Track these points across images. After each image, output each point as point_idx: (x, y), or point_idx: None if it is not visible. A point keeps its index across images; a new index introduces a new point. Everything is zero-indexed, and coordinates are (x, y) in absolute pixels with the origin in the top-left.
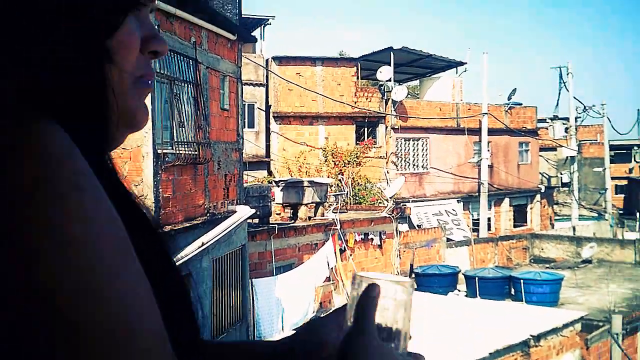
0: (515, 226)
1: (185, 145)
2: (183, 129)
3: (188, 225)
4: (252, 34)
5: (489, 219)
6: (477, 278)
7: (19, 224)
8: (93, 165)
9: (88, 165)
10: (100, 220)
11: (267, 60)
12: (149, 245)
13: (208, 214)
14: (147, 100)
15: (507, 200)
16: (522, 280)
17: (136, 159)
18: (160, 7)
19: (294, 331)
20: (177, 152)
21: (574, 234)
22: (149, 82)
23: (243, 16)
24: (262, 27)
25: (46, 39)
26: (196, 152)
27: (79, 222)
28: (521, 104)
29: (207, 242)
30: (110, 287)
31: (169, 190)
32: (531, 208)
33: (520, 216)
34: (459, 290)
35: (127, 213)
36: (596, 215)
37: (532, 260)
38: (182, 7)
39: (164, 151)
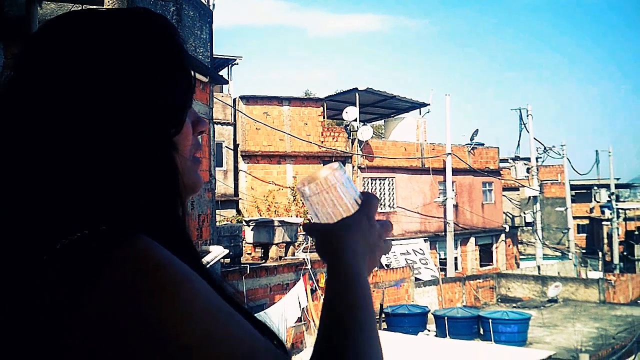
0: (481, 265)
1: None
2: None
3: None
4: (220, 73)
5: (455, 259)
6: (446, 318)
7: (171, 324)
8: (174, 228)
9: (184, 264)
10: (212, 299)
11: (234, 100)
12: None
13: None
14: None
15: (472, 239)
16: (490, 320)
17: None
18: None
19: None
20: None
21: (539, 274)
22: (199, 158)
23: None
24: (229, 66)
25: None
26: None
27: (207, 309)
28: (483, 145)
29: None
30: (236, 333)
31: None
32: (496, 247)
33: (486, 255)
34: (429, 330)
35: (198, 264)
36: (560, 254)
37: (499, 300)
38: None
39: None
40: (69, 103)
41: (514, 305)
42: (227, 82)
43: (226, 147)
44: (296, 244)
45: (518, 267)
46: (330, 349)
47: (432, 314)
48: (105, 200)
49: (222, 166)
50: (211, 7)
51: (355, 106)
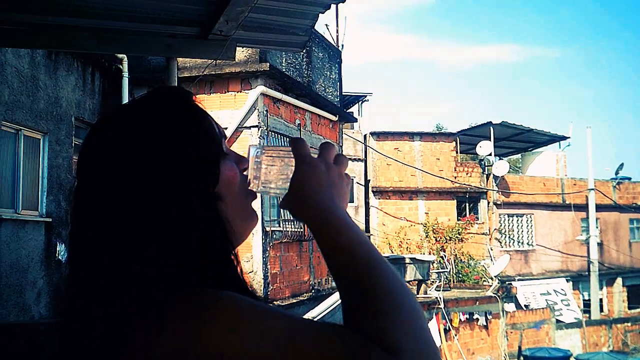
0: (630, 308)
1: (292, 223)
2: None
3: (295, 301)
4: (350, 110)
5: (600, 300)
6: None
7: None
8: (225, 261)
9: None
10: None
11: (365, 136)
12: None
13: (313, 290)
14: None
15: (619, 280)
16: None
17: None
18: (268, 93)
19: None
20: (284, 229)
21: None
22: (255, 193)
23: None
24: (359, 103)
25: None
26: (302, 229)
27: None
28: (630, 179)
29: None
30: (296, 325)
31: (276, 267)
32: None
33: (635, 297)
34: None
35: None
36: None
37: None
38: (288, 92)
39: (272, 229)
40: (112, 192)
41: None
42: (355, 120)
43: (357, 183)
44: (429, 282)
45: None
46: (351, 299)
47: (574, 358)
48: (170, 259)
49: (353, 202)
50: (340, 48)
51: (490, 140)
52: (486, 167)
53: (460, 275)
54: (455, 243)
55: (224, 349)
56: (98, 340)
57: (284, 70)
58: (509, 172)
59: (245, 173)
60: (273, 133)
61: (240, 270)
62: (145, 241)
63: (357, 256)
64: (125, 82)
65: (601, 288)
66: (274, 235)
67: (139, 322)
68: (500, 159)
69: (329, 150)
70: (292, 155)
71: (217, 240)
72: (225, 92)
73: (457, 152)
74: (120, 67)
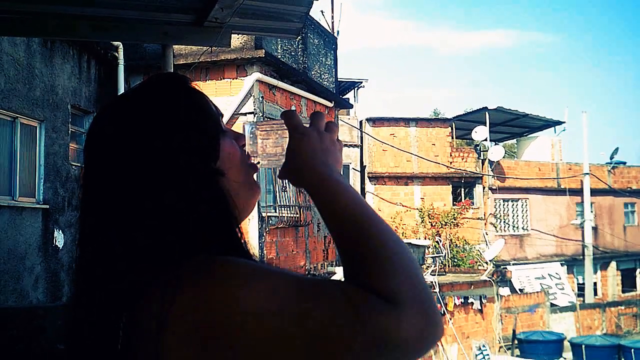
0: (623, 291)
1: (288, 208)
2: (285, 192)
3: None
4: (346, 96)
5: (595, 284)
6: (584, 346)
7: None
8: (230, 235)
9: (249, 260)
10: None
11: (361, 122)
12: None
13: (309, 275)
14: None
15: (613, 264)
16: (632, 350)
17: None
18: (263, 80)
19: None
20: (280, 215)
21: None
22: (255, 164)
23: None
24: (355, 89)
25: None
26: (297, 215)
27: (273, 281)
28: (625, 163)
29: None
30: (292, 280)
31: (272, 252)
32: None
33: (628, 281)
34: (565, 359)
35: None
36: None
37: None
38: (283, 79)
39: (268, 214)
40: (119, 172)
41: None
42: (351, 106)
43: (353, 169)
44: (424, 266)
45: None
46: (351, 257)
47: (568, 341)
48: (168, 246)
49: None
50: (335, 34)
51: (485, 125)
52: (482, 152)
53: (456, 260)
54: (450, 228)
55: (233, 309)
56: (97, 327)
57: (279, 57)
58: (504, 157)
59: (244, 149)
60: (269, 119)
61: (244, 242)
62: (141, 229)
63: (354, 216)
64: (121, 69)
65: (595, 272)
66: (270, 221)
67: (134, 312)
68: (495, 144)
69: (320, 118)
70: (285, 127)
71: (220, 216)
72: (220, 79)
73: (452, 138)
74: (116, 54)
